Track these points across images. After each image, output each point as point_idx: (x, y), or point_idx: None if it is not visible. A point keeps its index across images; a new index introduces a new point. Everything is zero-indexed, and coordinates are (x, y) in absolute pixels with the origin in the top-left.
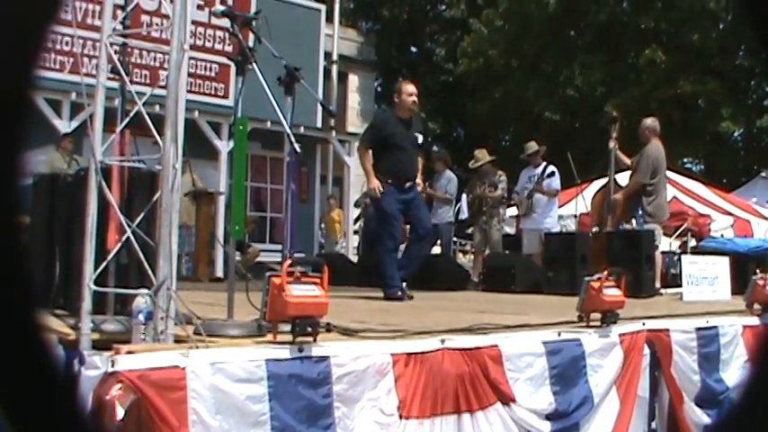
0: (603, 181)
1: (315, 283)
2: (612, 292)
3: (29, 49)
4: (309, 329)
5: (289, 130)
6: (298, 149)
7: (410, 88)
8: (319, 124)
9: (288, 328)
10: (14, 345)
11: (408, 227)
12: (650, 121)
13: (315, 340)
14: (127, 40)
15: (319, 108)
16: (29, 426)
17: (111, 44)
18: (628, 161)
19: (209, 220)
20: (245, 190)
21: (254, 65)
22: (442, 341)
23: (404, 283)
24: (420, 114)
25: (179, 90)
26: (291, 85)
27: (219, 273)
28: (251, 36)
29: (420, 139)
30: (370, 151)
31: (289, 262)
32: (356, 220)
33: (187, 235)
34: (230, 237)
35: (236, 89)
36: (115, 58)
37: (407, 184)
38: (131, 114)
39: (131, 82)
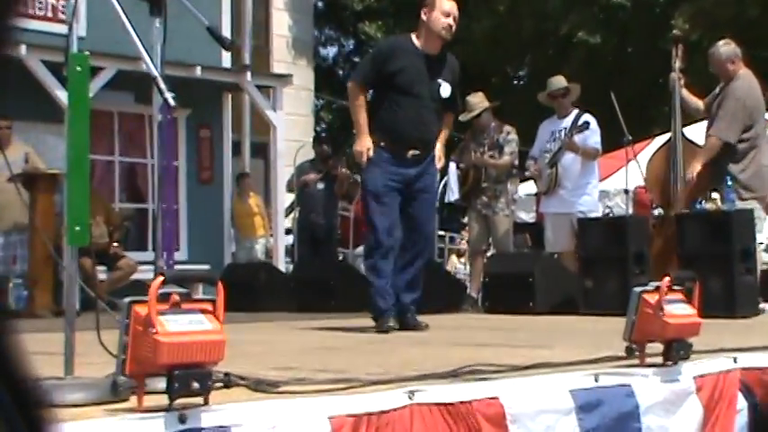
0: (666, 138)
1: (203, 311)
2: (680, 311)
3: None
4: (196, 385)
5: (155, 72)
6: (172, 103)
7: (446, 5)
8: (227, 63)
9: (162, 384)
10: None
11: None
12: (724, 47)
13: (206, 402)
14: None
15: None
16: None
17: None
18: (698, 104)
19: (52, 219)
20: (97, 169)
21: None
22: (411, 394)
23: (411, 311)
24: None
25: None
26: (159, 2)
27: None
28: None
29: (447, 89)
30: (364, 96)
31: (160, 279)
32: (288, 211)
33: (19, 244)
34: (68, 244)
35: (68, 8)
36: None
37: (411, 153)
38: None
39: None
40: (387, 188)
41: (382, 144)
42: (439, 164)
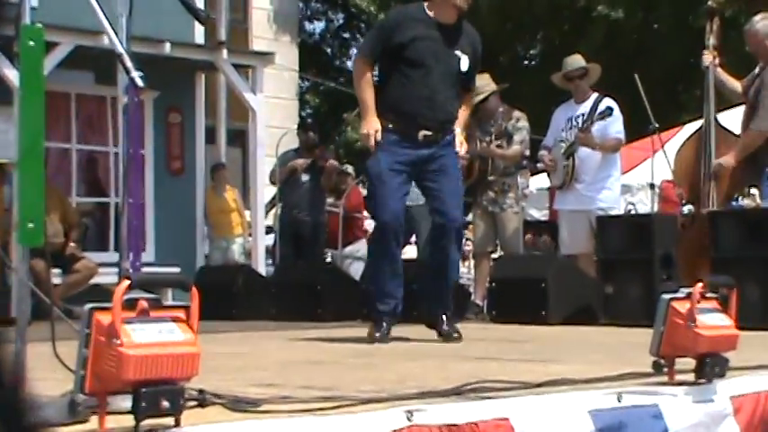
0: (697, 125)
1: (175, 320)
2: (715, 321)
3: None
4: (166, 404)
5: (120, 48)
6: (140, 83)
7: None
8: (200, 38)
9: (128, 403)
10: None
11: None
12: (762, 23)
13: (178, 423)
14: None
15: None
16: None
17: None
18: (735, 86)
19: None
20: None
21: None
22: (410, 414)
23: (443, 317)
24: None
25: None
26: None
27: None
28: None
29: (466, 62)
30: (370, 73)
31: (126, 283)
32: (269, 207)
33: None
34: (19, 244)
35: None
36: None
37: (423, 134)
38: None
39: None
40: (392, 171)
41: (390, 126)
42: (461, 149)
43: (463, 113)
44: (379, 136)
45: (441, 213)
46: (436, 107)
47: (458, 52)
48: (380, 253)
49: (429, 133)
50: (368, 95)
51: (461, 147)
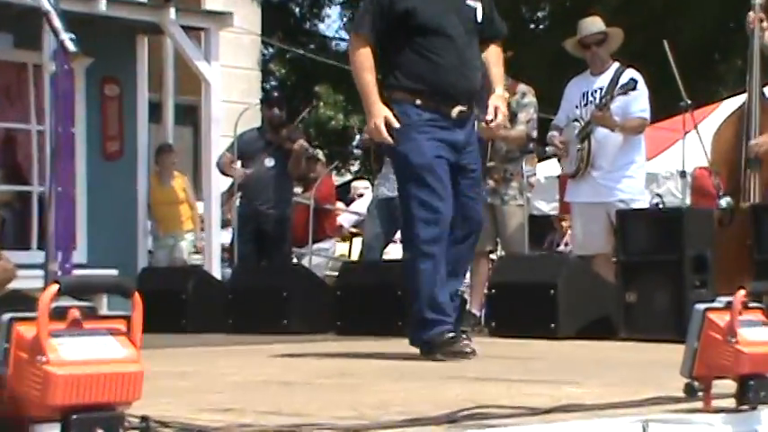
0: (739, 102)
1: (113, 332)
2: (759, 336)
3: None
4: None
5: (47, 4)
6: (71, 48)
7: None
8: None
9: None
10: None
11: None
12: None
13: None
14: None
15: None
16: None
17: None
18: None
19: None
20: None
21: None
22: None
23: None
24: None
25: None
26: None
27: None
28: None
29: (480, 11)
30: (371, 53)
31: (54, 288)
32: (226, 198)
33: None
34: None
35: None
36: None
37: (458, 110)
38: None
39: None
40: (440, 159)
41: (418, 102)
42: (499, 116)
43: (498, 69)
44: (394, 122)
45: (469, 220)
46: (466, 75)
47: (470, 2)
48: (427, 263)
49: (464, 109)
50: (370, 80)
51: (498, 113)
